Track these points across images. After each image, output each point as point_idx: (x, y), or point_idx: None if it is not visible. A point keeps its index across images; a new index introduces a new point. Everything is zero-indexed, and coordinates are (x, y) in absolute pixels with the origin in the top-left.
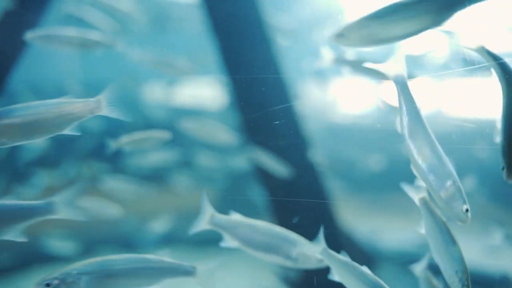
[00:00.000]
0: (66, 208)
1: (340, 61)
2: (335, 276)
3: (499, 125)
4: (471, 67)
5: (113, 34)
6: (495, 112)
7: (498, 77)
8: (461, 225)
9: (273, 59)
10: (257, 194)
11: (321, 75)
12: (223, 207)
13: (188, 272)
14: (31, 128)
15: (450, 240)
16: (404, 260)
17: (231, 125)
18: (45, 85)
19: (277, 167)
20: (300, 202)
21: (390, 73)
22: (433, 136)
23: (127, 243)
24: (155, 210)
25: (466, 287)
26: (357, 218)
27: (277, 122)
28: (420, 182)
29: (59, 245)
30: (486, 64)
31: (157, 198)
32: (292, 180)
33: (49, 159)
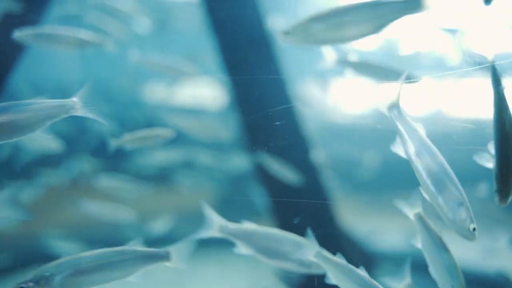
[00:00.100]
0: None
1: (343, 62)
2: (331, 279)
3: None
4: (472, 68)
5: (114, 35)
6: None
7: (493, 103)
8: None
9: (274, 59)
10: (258, 195)
11: (322, 76)
12: (223, 207)
13: (162, 257)
14: (4, 128)
15: (446, 255)
16: (404, 261)
17: (232, 125)
18: (46, 85)
19: (285, 172)
20: (301, 202)
21: (383, 105)
22: (440, 155)
23: (122, 242)
24: (155, 210)
25: None
26: (357, 218)
27: (278, 122)
28: (415, 196)
29: (59, 245)
30: (487, 64)
31: (156, 198)
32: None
33: (50, 158)
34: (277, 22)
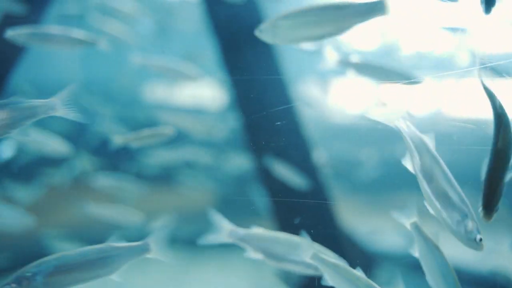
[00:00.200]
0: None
1: (345, 63)
2: (328, 280)
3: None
4: (472, 68)
5: (115, 36)
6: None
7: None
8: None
9: (274, 59)
10: (258, 195)
11: (322, 76)
12: (223, 207)
13: (143, 250)
14: None
15: (443, 264)
16: (404, 261)
17: (232, 125)
18: (46, 85)
19: (288, 174)
20: (301, 203)
21: (390, 120)
22: (446, 168)
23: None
24: (155, 210)
25: None
26: (357, 218)
27: (279, 123)
28: (411, 205)
29: (59, 245)
30: (487, 65)
31: (157, 198)
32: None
33: (51, 158)
34: None
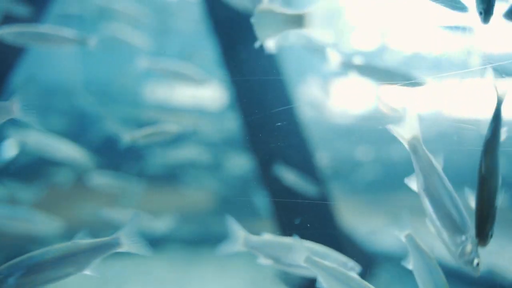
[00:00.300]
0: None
1: (347, 65)
2: (322, 283)
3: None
4: (473, 69)
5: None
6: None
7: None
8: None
9: (275, 60)
10: (259, 195)
11: (323, 76)
12: (224, 208)
13: (113, 245)
14: None
15: (438, 276)
16: (404, 261)
17: (232, 126)
18: (47, 85)
19: (294, 178)
20: (301, 203)
21: (403, 137)
22: (451, 190)
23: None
24: (156, 210)
25: None
26: (357, 218)
27: (279, 123)
28: (405, 217)
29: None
30: (488, 65)
31: (158, 198)
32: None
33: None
34: None
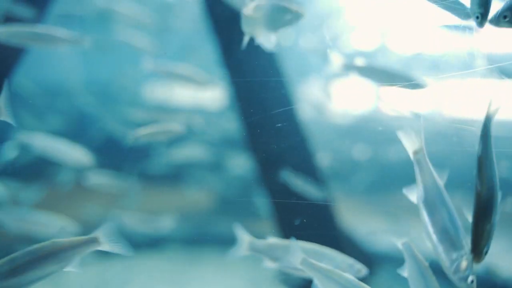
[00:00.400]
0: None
1: (349, 66)
2: (318, 286)
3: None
4: (473, 70)
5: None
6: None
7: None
8: None
9: (274, 60)
10: (259, 195)
11: (323, 77)
12: (224, 208)
13: (92, 243)
14: None
15: (433, 285)
16: (400, 268)
17: (232, 126)
18: (47, 85)
19: (294, 179)
20: (301, 204)
21: (409, 147)
22: (451, 205)
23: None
24: (157, 210)
25: None
26: (357, 219)
27: (280, 124)
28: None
29: None
30: (487, 66)
31: (159, 198)
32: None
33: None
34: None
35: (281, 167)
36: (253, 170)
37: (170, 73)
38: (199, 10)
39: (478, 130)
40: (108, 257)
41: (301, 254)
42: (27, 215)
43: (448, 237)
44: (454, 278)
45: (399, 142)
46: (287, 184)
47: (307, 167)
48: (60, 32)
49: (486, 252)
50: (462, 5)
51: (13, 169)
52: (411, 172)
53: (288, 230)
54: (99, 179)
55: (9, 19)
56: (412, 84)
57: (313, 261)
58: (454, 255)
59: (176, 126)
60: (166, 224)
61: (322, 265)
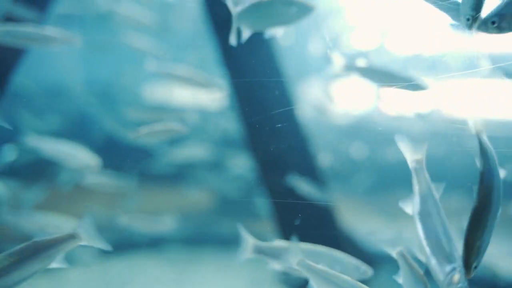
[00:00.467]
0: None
1: (351, 67)
2: (314, 286)
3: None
4: (472, 70)
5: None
6: (494, 115)
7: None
8: None
9: (275, 60)
10: (259, 196)
11: (324, 77)
12: (224, 208)
13: (72, 239)
14: None
15: None
16: (395, 275)
17: (232, 126)
18: (47, 86)
19: (294, 179)
20: (301, 204)
21: (409, 156)
22: (444, 218)
23: (124, 242)
24: (158, 210)
25: None
26: (357, 219)
27: (279, 125)
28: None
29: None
30: (486, 67)
31: (160, 198)
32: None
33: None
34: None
35: (281, 167)
36: (253, 170)
37: (171, 75)
38: (199, 10)
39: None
40: (108, 257)
41: (299, 254)
42: (40, 217)
43: (441, 250)
44: None
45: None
46: (288, 185)
47: (307, 167)
48: (51, 31)
49: (476, 268)
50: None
51: (14, 169)
52: (409, 171)
53: (288, 230)
54: (99, 179)
55: (9, 19)
56: (413, 85)
57: (310, 263)
58: (447, 268)
59: (177, 125)
60: (166, 224)
61: (319, 266)
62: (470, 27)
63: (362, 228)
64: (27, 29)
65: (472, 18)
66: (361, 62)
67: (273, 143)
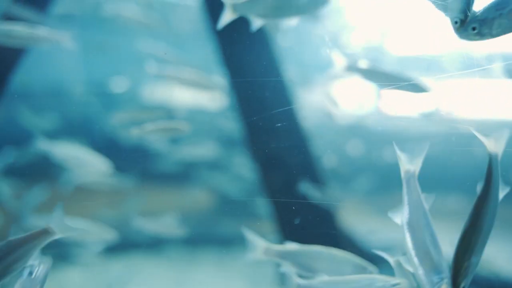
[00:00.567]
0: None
1: (352, 68)
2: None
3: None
4: (471, 70)
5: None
6: (494, 114)
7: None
8: None
9: (275, 60)
10: (259, 195)
11: (324, 77)
12: (224, 208)
13: (45, 234)
14: None
15: None
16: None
17: (233, 126)
18: (48, 86)
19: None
20: (301, 203)
21: (402, 165)
22: (433, 228)
23: (124, 242)
24: (158, 210)
25: None
26: (357, 219)
27: (279, 124)
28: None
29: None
30: (486, 67)
31: (160, 198)
32: (293, 181)
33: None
34: (277, 22)
35: (281, 167)
36: (254, 170)
37: (174, 77)
38: (199, 10)
39: (476, 131)
40: (108, 257)
41: (297, 280)
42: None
43: (429, 260)
44: None
45: (399, 143)
46: (287, 183)
47: (307, 167)
48: (42, 30)
49: (464, 287)
50: None
51: (15, 169)
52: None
53: (288, 230)
54: (101, 179)
55: (9, 19)
56: (415, 87)
57: (307, 282)
58: (435, 278)
59: (180, 123)
60: (167, 224)
61: (316, 281)
62: (457, 30)
63: (362, 228)
64: (18, 28)
65: (460, 21)
66: (362, 63)
67: (273, 143)
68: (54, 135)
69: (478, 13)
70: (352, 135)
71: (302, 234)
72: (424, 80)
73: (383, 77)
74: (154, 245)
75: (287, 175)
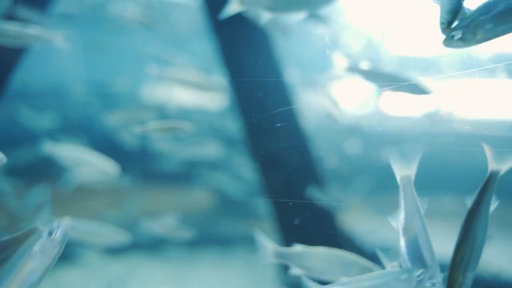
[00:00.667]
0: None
1: (353, 69)
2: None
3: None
4: (471, 70)
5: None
6: (493, 114)
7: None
8: None
9: (275, 60)
10: (258, 196)
11: (323, 77)
12: (224, 208)
13: (34, 233)
14: None
15: None
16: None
17: (232, 126)
18: (48, 85)
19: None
20: (301, 203)
21: (398, 171)
22: (427, 234)
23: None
24: (158, 210)
25: None
26: (357, 219)
27: (279, 124)
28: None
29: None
30: (486, 67)
31: (160, 198)
32: (293, 181)
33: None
34: (277, 22)
35: (282, 167)
36: (254, 170)
37: (173, 77)
38: (199, 10)
39: (476, 130)
40: (108, 257)
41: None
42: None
43: (422, 265)
44: None
45: (399, 143)
46: (287, 183)
47: (307, 167)
48: (34, 29)
49: None
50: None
51: (16, 169)
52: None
53: (288, 230)
54: (101, 179)
55: (9, 19)
56: (416, 89)
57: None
58: (427, 283)
59: (182, 123)
60: (167, 224)
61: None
62: (444, 32)
63: (362, 228)
64: (10, 27)
65: (448, 23)
66: (363, 64)
67: (273, 143)
68: (54, 135)
69: (460, 20)
70: (352, 135)
71: (302, 234)
72: (424, 81)
73: (383, 77)
74: (154, 245)
75: (287, 175)
